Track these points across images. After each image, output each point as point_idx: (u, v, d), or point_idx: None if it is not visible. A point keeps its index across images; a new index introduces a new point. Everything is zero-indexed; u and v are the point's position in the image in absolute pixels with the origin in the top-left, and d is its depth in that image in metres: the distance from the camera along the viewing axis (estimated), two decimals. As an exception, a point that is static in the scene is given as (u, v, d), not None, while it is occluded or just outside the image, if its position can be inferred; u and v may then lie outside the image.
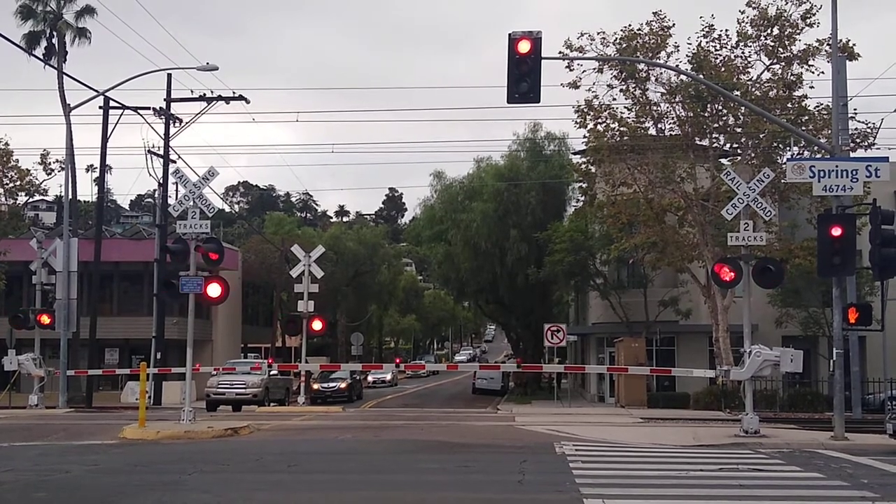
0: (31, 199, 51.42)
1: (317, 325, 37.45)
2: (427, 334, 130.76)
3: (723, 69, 33.17)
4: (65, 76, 42.91)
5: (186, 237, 23.03)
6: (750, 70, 33.81)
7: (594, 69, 33.90)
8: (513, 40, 20.06)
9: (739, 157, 35.35)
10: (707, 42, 33.63)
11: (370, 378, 66.56)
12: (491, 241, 50.85)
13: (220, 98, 40.17)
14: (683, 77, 32.40)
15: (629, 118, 35.10)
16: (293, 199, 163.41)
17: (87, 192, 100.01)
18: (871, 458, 16.17)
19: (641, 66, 33.56)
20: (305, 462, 15.85)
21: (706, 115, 34.21)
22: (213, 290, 22.74)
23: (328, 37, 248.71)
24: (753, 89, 33.41)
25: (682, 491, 12.12)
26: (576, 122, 35.30)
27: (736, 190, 21.90)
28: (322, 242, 52.81)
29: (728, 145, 35.88)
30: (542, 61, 20.29)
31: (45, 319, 33.73)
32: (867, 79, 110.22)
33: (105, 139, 38.80)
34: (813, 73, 33.12)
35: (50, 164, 47.36)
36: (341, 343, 74.09)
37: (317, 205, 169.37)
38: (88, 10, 47.47)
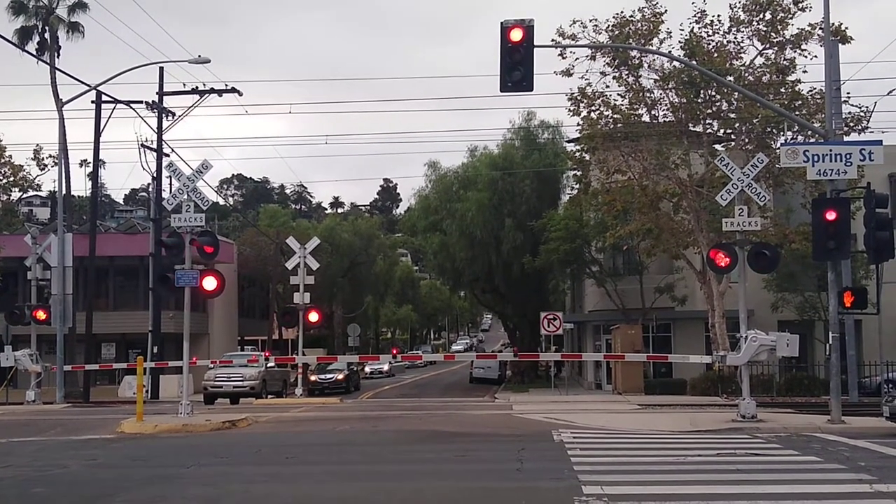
0: (24, 195, 51.40)
1: (313, 316, 37.69)
2: (423, 324, 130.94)
3: (715, 55, 33.09)
4: (57, 71, 42.73)
5: (181, 231, 22.99)
6: (743, 55, 33.74)
7: (587, 57, 33.78)
8: (505, 29, 20.00)
9: (733, 143, 35.30)
10: (699, 28, 33.56)
11: (367, 369, 66.71)
12: (486, 231, 50.84)
13: (212, 91, 40.07)
14: (676, 63, 32.32)
15: (622, 105, 35.01)
16: (287, 192, 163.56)
17: (80, 187, 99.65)
18: (868, 441, 16.23)
19: (634, 52, 33.46)
20: (303, 453, 15.87)
21: (699, 101, 34.12)
22: (209, 283, 22.85)
23: (318, 28, 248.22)
24: (746, 74, 33.33)
25: (680, 476, 12.14)
26: (569, 110, 35.26)
27: (730, 175, 21.88)
28: (317, 234, 52.85)
29: (722, 131, 35.84)
30: (535, 49, 20.25)
31: (41, 315, 33.71)
32: (860, 62, 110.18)
33: (98, 134, 38.77)
34: (806, 57, 33.05)
35: (43, 159, 46.97)
36: (338, 334, 74.21)
37: (311, 196, 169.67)
38: (81, 5, 47.16)
